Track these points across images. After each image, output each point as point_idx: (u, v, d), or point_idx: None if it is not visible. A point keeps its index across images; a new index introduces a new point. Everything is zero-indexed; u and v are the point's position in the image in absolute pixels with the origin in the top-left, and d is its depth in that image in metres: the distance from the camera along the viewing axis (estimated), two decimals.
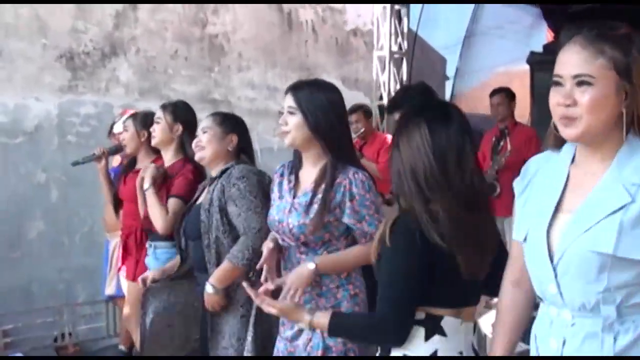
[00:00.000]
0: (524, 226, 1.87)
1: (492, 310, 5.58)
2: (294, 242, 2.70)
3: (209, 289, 3.18)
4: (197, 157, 3.41)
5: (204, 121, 3.42)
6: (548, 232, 1.79)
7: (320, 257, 2.65)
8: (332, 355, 2.64)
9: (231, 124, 3.41)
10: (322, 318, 2.16)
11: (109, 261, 5.21)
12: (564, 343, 1.78)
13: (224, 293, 3.18)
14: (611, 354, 1.72)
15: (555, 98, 1.75)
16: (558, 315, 1.80)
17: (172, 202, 3.73)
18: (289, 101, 2.73)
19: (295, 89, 2.75)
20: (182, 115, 3.99)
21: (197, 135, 3.41)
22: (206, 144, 3.34)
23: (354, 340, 2.49)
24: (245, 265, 3.09)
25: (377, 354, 2.25)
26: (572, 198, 1.79)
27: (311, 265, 2.62)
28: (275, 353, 2.84)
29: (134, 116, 4.49)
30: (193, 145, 3.41)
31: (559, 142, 1.85)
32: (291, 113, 2.70)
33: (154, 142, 4.00)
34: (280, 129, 2.76)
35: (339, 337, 2.44)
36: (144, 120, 4.31)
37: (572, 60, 1.73)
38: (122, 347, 5.29)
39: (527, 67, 8.98)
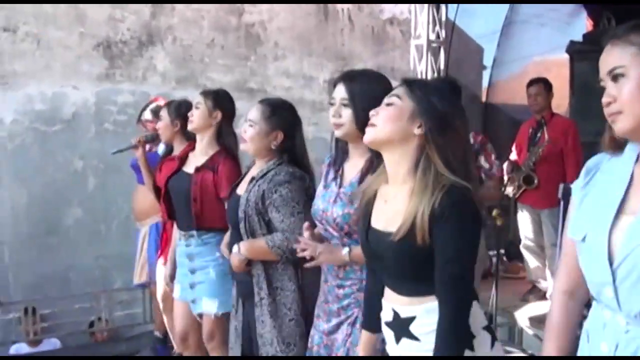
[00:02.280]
0: (583, 226, 1.79)
1: (528, 304, 5.56)
2: (338, 232, 2.66)
3: (235, 248, 3.18)
4: (241, 148, 3.34)
5: (252, 111, 3.27)
6: (610, 233, 1.70)
7: (357, 249, 2.59)
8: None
9: (279, 119, 3.24)
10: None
11: (139, 250, 5.22)
12: (616, 348, 1.71)
13: (246, 260, 3.18)
14: None
15: (602, 101, 1.71)
16: (612, 319, 1.73)
17: None
18: (342, 92, 2.66)
19: (347, 79, 2.68)
20: (223, 103, 3.96)
21: (245, 122, 3.33)
22: (249, 139, 3.23)
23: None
24: (277, 254, 3.07)
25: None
26: (637, 199, 1.70)
27: (346, 257, 2.60)
28: (310, 343, 2.83)
29: (167, 105, 4.50)
30: (240, 134, 3.35)
31: (615, 144, 1.78)
32: (345, 105, 2.64)
33: (191, 127, 3.94)
34: (332, 120, 2.67)
35: None
36: (178, 109, 4.31)
37: (606, 59, 1.70)
38: (157, 333, 5.32)
39: (564, 56, 8.83)
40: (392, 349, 2.20)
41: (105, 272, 6.44)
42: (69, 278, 6.31)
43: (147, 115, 5.09)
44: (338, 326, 2.69)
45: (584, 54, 8.33)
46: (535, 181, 5.48)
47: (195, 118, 3.89)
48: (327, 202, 2.70)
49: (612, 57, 1.68)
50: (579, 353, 1.88)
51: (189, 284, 3.89)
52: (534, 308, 5.44)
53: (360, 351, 2.41)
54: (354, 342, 2.60)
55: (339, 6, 7.44)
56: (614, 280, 1.67)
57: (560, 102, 6.56)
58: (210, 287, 3.83)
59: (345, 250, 2.62)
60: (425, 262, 2.00)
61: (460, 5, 8.14)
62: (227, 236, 3.48)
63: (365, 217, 2.24)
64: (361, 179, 2.60)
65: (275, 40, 7.12)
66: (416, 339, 2.10)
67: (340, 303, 2.66)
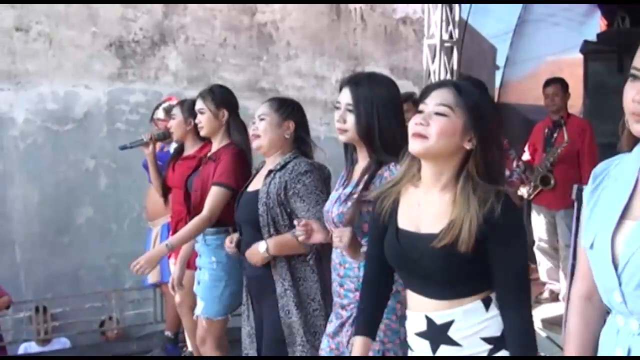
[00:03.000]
0: (591, 233, 1.76)
1: (541, 305, 5.52)
2: None
3: (262, 247, 3.13)
4: (254, 146, 3.34)
5: (261, 108, 3.32)
6: (613, 239, 1.68)
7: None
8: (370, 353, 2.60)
9: (288, 110, 3.29)
10: None
11: (151, 250, 5.20)
12: (629, 352, 1.69)
13: (268, 260, 3.16)
14: None
15: (630, 93, 1.63)
16: (625, 325, 1.71)
17: (214, 191, 3.68)
18: (347, 97, 2.66)
19: (354, 84, 2.67)
20: (224, 99, 3.94)
21: (253, 122, 3.34)
22: (262, 133, 3.24)
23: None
24: (306, 247, 3.05)
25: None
26: None
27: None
28: (320, 349, 2.82)
29: (180, 104, 4.49)
30: (250, 132, 3.35)
31: (632, 142, 1.73)
32: (349, 111, 2.64)
33: (203, 133, 3.95)
34: (337, 125, 2.67)
35: None
36: (191, 108, 4.30)
37: None
38: (168, 333, 5.31)
39: (578, 56, 8.78)
40: None
41: (116, 271, 6.44)
42: (80, 277, 6.32)
43: (160, 114, 5.07)
44: (341, 327, 2.69)
45: (598, 54, 8.27)
46: (552, 182, 5.44)
47: (204, 123, 3.89)
48: (331, 203, 2.74)
49: None
50: None
51: (197, 280, 3.93)
52: (547, 310, 5.40)
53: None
54: None
55: (352, 6, 7.42)
56: (620, 285, 1.66)
57: (574, 102, 6.50)
58: (202, 289, 3.86)
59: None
60: (468, 264, 1.97)
61: (473, 4, 8.09)
62: (234, 235, 3.47)
63: (392, 219, 2.18)
64: (359, 181, 2.62)
65: (287, 40, 7.11)
66: (457, 344, 2.06)
67: (342, 301, 2.68)
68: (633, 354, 1.68)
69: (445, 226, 2.00)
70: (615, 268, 1.67)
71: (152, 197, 5.05)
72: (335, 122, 2.68)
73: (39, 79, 6.17)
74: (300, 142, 3.30)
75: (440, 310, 2.06)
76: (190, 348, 4.69)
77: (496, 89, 9.69)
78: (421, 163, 2.12)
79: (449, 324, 2.05)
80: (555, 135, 5.55)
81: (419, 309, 2.12)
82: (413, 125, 2.06)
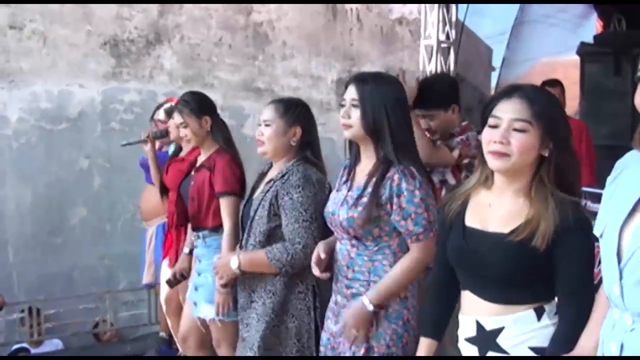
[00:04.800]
0: (602, 222, 1.79)
1: None
2: (346, 234, 2.65)
3: (234, 262, 3.12)
4: (258, 151, 3.25)
5: (266, 111, 3.21)
6: (621, 231, 1.70)
7: (373, 292, 2.57)
8: (374, 355, 2.60)
9: (295, 115, 3.18)
10: None
11: (146, 250, 5.20)
12: (621, 347, 1.71)
13: (238, 276, 3.15)
14: None
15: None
16: (620, 319, 1.72)
17: (226, 202, 3.65)
18: (352, 93, 2.64)
19: (359, 81, 2.65)
20: (202, 107, 3.91)
21: (258, 124, 3.27)
22: (266, 140, 3.15)
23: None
24: (277, 268, 3.00)
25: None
26: None
27: (369, 307, 2.57)
28: (320, 345, 2.84)
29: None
30: (256, 136, 3.28)
31: None
32: (355, 106, 2.62)
33: (192, 144, 3.96)
34: (342, 120, 2.65)
35: None
36: None
37: None
38: (162, 334, 5.29)
39: (573, 57, 8.80)
40: None
41: (110, 272, 6.41)
42: (74, 278, 6.27)
43: (161, 115, 5.06)
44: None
45: (594, 56, 8.28)
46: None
47: (191, 136, 3.86)
48: (336, 205, 2.70)
49: None
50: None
51: (195, 285, 3.89)
52: None
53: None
54: (359, 346, 2.61)
55: (348, 6, 7.38)
56: (620, 278, 1.67)
57: (569, 104, 6.50)
58: (209, 292, 3.79)
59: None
60: (534, 265, 1.96)
61: (470, 5, 8.08)
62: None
63: (459, 218, 2.18)
64: (367, 183, 2.59)
65: (283, 40, 7.07)
66: (504, 352, 2.06)
67: (349, 303, 2.65)
68: (625, 350, 1.69)
69: (523, 222, 2.01)
70: (619, 261, 1.68)
71: (147, 197, 5.04)
72: (340, 119, 2.66)
73: (32, 77, 6.13)
74: (306, 147, 3.21)
75: (492, 316, 2.07)
76: (182, 349, 4.66)
77: (492, 90, 9.69)
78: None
79: (498, 331, 2.06)
80: None
81: (471, 313, 2.13)
82: (491, 142, 2.03)
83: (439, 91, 3.61)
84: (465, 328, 2.14)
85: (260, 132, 3.20)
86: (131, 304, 6.24)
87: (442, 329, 2.31)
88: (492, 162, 2.04)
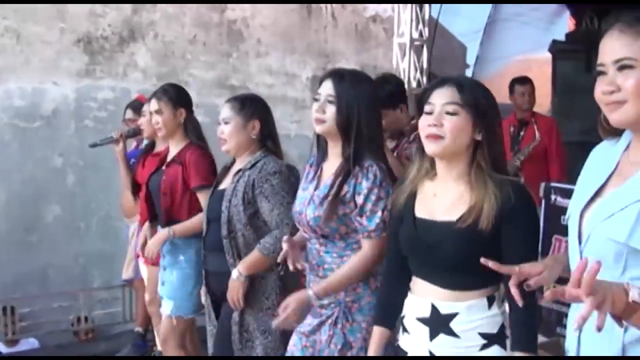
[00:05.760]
0: (570, 207, 1.87)
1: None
2: (313, 233, 2.66)
3: (234, 274, 3.15)
4: (222, 149, 3.33)
5: (223, 110, 3.30)
6: (582, 215, 1.78)
7: (321, 286, 2.62)
8: (353, 351, 2.61)
9: (251, 109, 3.28)
10: None
11: (128, 246, 5.21)
12: (580, 332, 1.75)
13: (247, 281, 3.16)
14: (619, 345, 1.69)
15: (599, 88, 1.71)
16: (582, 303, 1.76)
17: (203, 195, 3.66)
18: (328, 89, 2.63)
19: (337, 77, 2.64)
20: (181, 98, 3.91)
21: (219, 123, 3.32)
22: (228, 137, 3.26)
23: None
24: (274, 258, 3.05)
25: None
26: (612, 185, 1.76)
27: (314, 300, 2.64)
28: (290, 345, 2.81)
29: (150, 101, 4.46)
30: (218, 134, 3.33)
31: (609, 134, 1.83)
32: (330, 102, 2.61)
33: (162, 134, 3.91)
34: (316, 115, 2.63)
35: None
36: None
37: (612, 47, 1.70)
38: (138, 329, 5.29)
39: (546, 55, 8.89)
40: (422, 345, 2.19)
41: (84, 270, 6.38)
42: (48, 276, 6.24)
43: (129, 113, 5.06)
44: (319, 326, 2.68)
45: (566, 54, 8.38)
46: (522, 180, 5.49)
47: (163, 125, 3.85)
48: (302, 205, 2.70)
49: (620, 46, 1.68)
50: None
51: (162, 280, 3.93)
52: None
53: (373, 349, 2.37)
54: (337, 343, 2.61)
55: (322, 3, 7.41)
56: (581, 259, 1.68)
57: (541, 101, 6.57)
58: (170, 289, 3.85)
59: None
60: (484, 251, 1.97)
61: (444, 4, 8.14)
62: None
63: (408, 209, 2.24)
64: (333, 183, 2.60)
65: (257, 37, 7.08)
66: (456, 335, 2.13)
67: (321, 301, 2.65)
68: (584, 333, 1.73)
69: (467, 209, 2.09)
70: (580, 243, 1.76)
71: (128, 194, 5.03)
72: (313, 113, 2.65)
73: (6, 75, 6.08)
74: (267, 138, 3.31)
75: (447, 301, 2.14)
76: (160, 347, 4.67)
77: None
78: (434, 159, 2.20)
79: (452, 316, 2.13)
80: (522, 133, 5.61)
81: (426, 295, 2.19)
82: (426, 127, 2.13)
83: (388, 91, 3.68)
84: (418, 308, 2.20)
85: (221, 130, 3.29)
86: (106, 301, 6.24)
87: (395, 319, 2.35)
88: (429, 146, 2.13)
